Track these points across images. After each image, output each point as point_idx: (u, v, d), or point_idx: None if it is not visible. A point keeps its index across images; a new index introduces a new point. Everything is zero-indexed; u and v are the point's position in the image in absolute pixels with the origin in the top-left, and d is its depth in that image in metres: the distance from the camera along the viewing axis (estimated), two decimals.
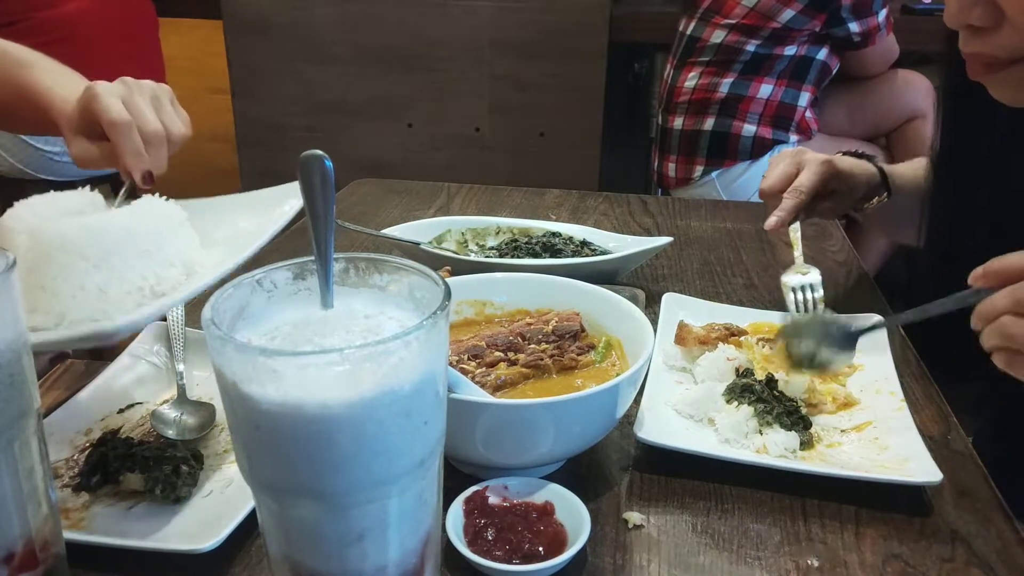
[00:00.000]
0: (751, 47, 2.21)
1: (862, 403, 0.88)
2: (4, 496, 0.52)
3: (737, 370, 0.90)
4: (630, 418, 0.81)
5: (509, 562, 0.63)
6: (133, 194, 0.84)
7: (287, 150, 2.99)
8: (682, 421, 0.85)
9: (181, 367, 0.89)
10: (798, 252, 1.08)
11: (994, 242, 0.95)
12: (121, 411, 0.86)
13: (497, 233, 1.28)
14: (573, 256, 1.19)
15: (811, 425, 0.83)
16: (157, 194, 0.82)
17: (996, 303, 0.69)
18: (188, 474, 0.72)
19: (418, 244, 1.19)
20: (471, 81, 2.96)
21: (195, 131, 0.92)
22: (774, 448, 0.79)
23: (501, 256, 1.20)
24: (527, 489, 0.70)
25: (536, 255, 1.19)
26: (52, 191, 0.81)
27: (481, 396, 0.74)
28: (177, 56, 2.71)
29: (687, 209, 1.58)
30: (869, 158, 1.17)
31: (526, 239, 1.24)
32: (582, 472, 0.79)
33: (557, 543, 0.65)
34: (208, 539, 0.65)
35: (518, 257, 1.18)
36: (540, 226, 1.28)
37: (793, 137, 2.28)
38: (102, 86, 0.87)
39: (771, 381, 0.86)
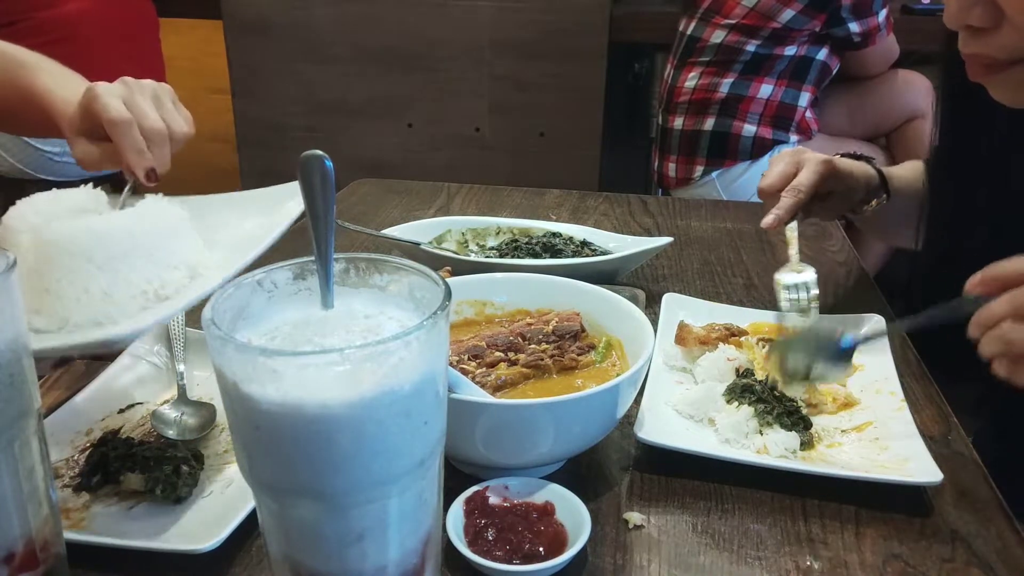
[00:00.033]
0: (751, 47, 2.21)
1: (862, 403, 0.88)
2: (4, 496, 0.52)
3: (737, 370, 0.90)
4: (630, 418, 0.81)
5: (509, 562, 0.63)
6: (136, 192, 0.85)
7: (287, 150, 2.99)
8: (682, 421, 0.85)
9: (181, 367, 0.89)
10: (794, 250, 1.07)
11: (993, 243, 0.95)
12: (121, 411, 0.86)
13: (497, 233, 1.28)
14: (573, 256, 1.19)
15: (811, 425, 0.83)
16: (160, 194, 0.82)
17: (995, 309, 0.68)
18: (188, 474, 0.73)
19: (418, 244, 1.19)
20: (471, 81, 2.96)
21: (195, 131, 0.92)
22: (774, 448, 0.79)
23: (501, 256, 1.20)
24: (527, 489, 0.70)
25: (536, 255, 1.19)
26: (55, 189, 0.81)
27: (481, 396, 0.74)
28: (177, 56, 2.71)
29: (687, 209, 1.58)
30: (868, 160, 1.17)
31: (526, 239, 1.24)
32: (582, 472, 0.79)
33: (557, 543, 0.65)
34: (208, 539, 0.65)
35: (518, 257, 1.18)
36: (540, 226, 1.28)
37: (793, 137, 2.28)
38: (102, 86, 0.87)
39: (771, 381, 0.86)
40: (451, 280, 0.90)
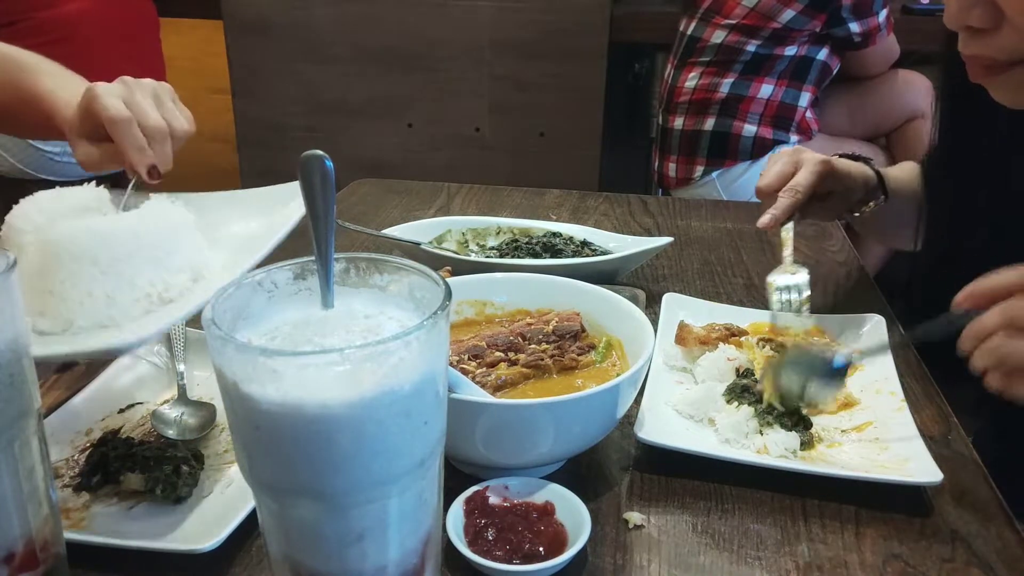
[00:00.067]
0: (751, 47, 2.21)
1: (862, 403, 0.88)
2: (4, 496, 0.52)
3: (737, 370, 0.90)
4: (630, 418, 0.81)
5: (509, 562, 0.63)
6: (139, 189, 0.85)
7: (287, 150, 2.99)
8: (682, 421, 0.85)
9: (182, 367, 0.89)
10: (788, 252, 1.07)
11: (994, 244, 0.95)
12: (121, 411, 0.86)
13: (497, 233, 1.28)
14: (573, 256, 1.19)
15: (811, 425, 0.83)
16: (164, 194, 0.82)
17: (985, 323, 0.69)
18: (188, 474, 0.72)
19: (418, 244, 1.19)
20: (471, 81, 2.96)
21: (195, 131, 0.92)
22: (774, 448, 0.79)
23: (501, 256, 1.20)
24: (527, 489, 0.70)
25: (536, 255, 1.19)
26: (58, 187, 0.81)
27: (481, 396, 0.74)
28: (177, 56, 2.71)
29: (687, 209, 1.58)
30: (866, 161, 1.17)
31: (526, 239, 1.24)
32: (582, 472, 0.79)
33: (557, 543, 0.65)
34: (208, 539, 0.65)
35: (518, 257, 1.18)
36: (540, 226, 1.28)
37: (793, 137, 2.28)
38: (102, 86, 0.87)
39: None
40: (451, 280, 0.90)
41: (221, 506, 0.71)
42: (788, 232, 1.08)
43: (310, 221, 0.50)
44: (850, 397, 0.89)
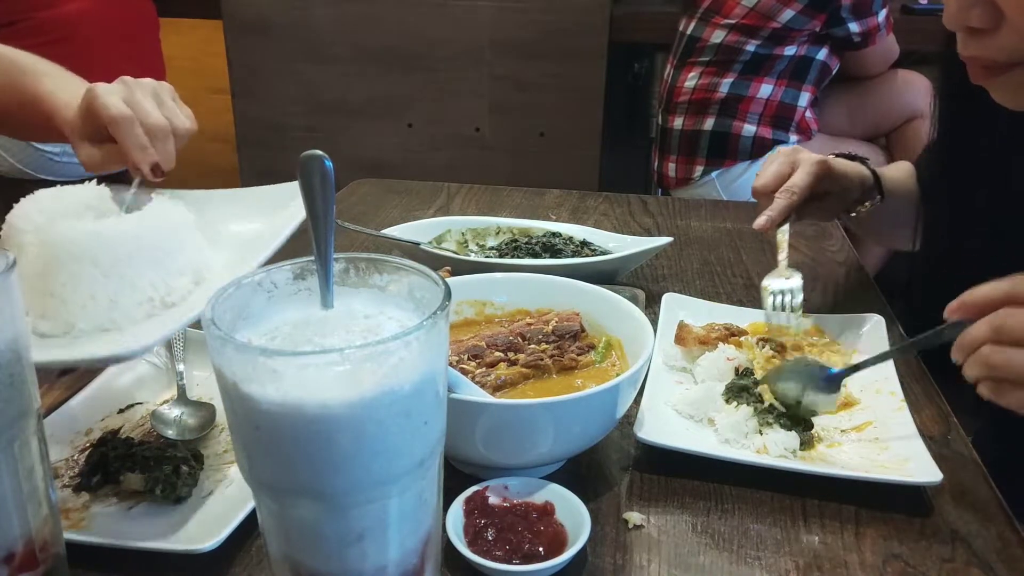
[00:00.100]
0: (751, 47, 2.21)
1: (862, 403, 0.88)
2: (4, 496, 0.52)
3: (737, 370, 0.90)
4: (630, 418, 0.81)
5: (509, 562, 0.63)
6: (142, 186, 0.85)
7: (287, 150, 2.99)
8: (682, 421, 0.85)
9: (181, 367, 0.89)
10: (783, 255, 1.06)
11: (993, 244, 0.95)
12: (121, 411, 0.86)
13: (497, 233, 1.28)
14: (573, 256, 1.19)
15: (811, 425, 0.83)
16: (166, 192, 0.82)
17: (975, 334, 0.69)
18: (188, 474, 0.73)
19: (418, 244, 1.19)
20: (471, 81, 2.96)
21: (197, 129, 0.92)
22: (774, 448, 0.79)
23: (501, 256, 1.20)
24: (527, 489, 0.70)
25: (536, 255, 1.19)
26: (58, 186, 0.81)
27: (481, 396, 0.74)
28: (177, 56, 2.71)
29: (687, 209, 1.59)
30: (862, 160, 1.17)
31: (526, 239, 1.24)
32: (582, 472, 0.79)
33: (557, 543, 0.65)
34: (208, 539, 0.65)
35: (518, 257, 1.18)
36: (540, 226, 1.28)
37: (793, 137, 2.28)
38: (102, 87, 0.87)
39: None
40: (451, 280, 0.90)
41: (221, 506, 0.71)
42: (784, 234, 1.08)
43: (310, 221, 0.50)
44: (850, 397, 0.89)
